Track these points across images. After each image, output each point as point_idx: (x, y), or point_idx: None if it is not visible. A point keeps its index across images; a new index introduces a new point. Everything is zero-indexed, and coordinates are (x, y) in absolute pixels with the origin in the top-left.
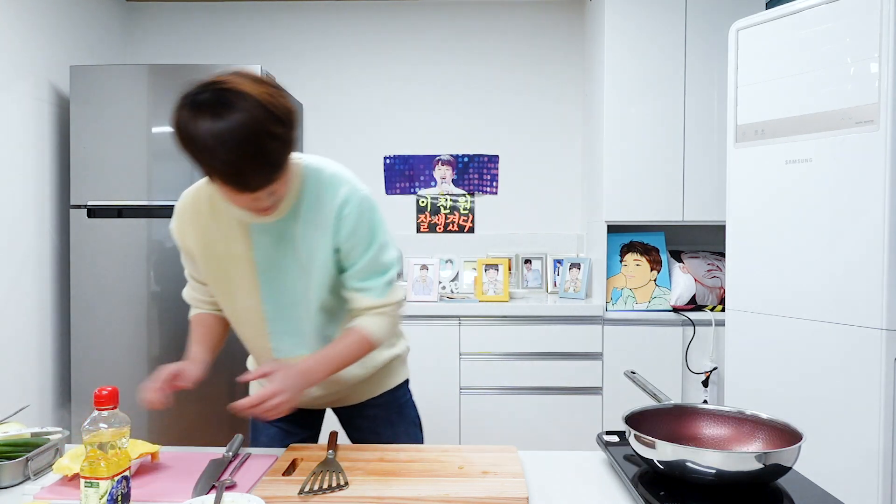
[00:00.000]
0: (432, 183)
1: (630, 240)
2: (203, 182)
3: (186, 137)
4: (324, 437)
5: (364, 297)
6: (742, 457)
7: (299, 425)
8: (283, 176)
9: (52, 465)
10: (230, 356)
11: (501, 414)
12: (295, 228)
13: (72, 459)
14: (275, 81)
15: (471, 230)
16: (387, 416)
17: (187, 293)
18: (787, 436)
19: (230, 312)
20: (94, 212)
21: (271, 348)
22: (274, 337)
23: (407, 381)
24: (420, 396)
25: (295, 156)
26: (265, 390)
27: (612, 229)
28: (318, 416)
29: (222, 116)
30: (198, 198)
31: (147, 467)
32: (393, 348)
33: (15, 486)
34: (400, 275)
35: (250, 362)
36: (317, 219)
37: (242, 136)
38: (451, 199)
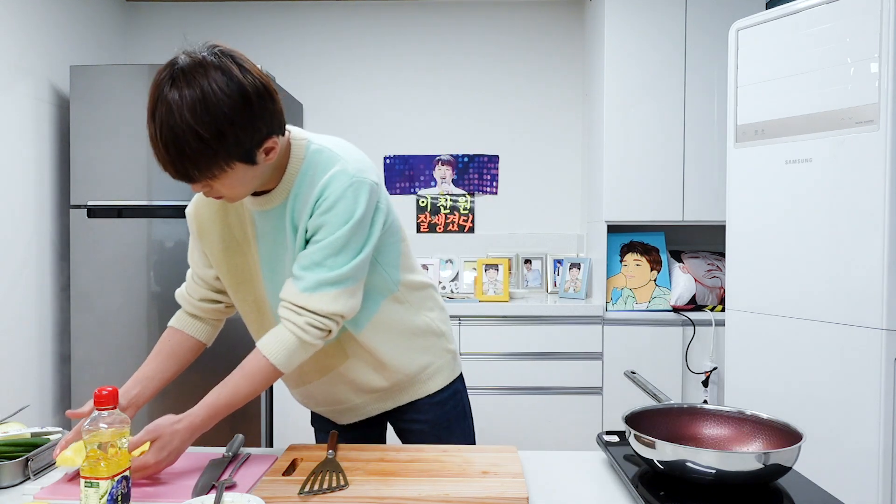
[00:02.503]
0: (432, 183)
1: (630, 240)
2: None
3: (152, 90)
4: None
5: (289, 285)
6: (742, 457)
7: (357, 431)
8: (222, 179)
9: (53, 461)
10: (230, 357)
11: (501, 414)
12: (287, 214)
13: (75, 452)
14: (246, 83)
15: (471, 230)
16: (440, 421)
17: (180, 292)
18: (787, 436)
19: (243, 306)
20: (94, 212)
21: None
22: None
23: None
24: None
25: (303, 136)
26: (144, 461)
27: (612, 229)
28: (378, 428)
29: (178, 91)
30: None
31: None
32: (442, 339)
33: (15, 486)
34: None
35: None
36: (305, 202)
37: (168, 128)
38: (451, 199)
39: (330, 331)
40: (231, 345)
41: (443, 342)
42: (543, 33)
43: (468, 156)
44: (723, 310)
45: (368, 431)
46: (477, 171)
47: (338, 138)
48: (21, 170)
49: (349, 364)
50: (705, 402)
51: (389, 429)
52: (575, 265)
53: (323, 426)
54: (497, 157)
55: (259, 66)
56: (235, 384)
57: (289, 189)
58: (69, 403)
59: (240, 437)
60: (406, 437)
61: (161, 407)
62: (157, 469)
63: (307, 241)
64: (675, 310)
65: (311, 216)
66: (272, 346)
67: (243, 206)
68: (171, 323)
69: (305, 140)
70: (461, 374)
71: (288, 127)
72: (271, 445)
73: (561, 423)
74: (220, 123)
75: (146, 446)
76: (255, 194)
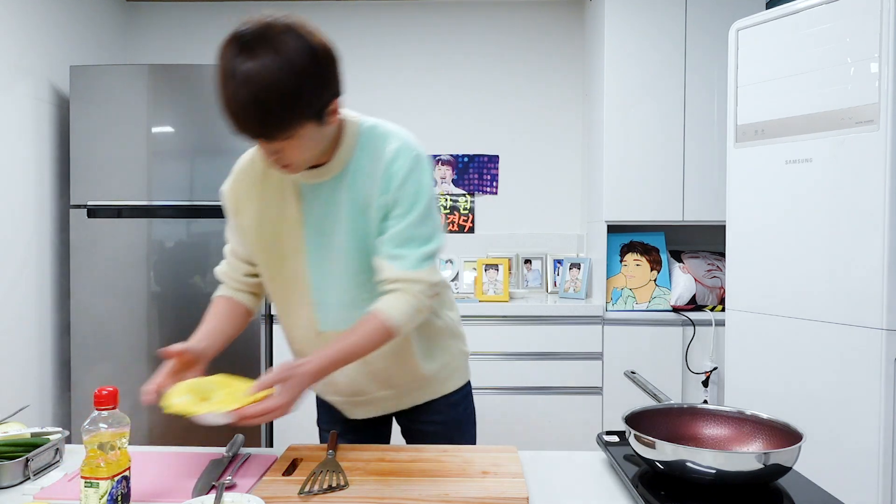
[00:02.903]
0: None
1: (630, 240)
2: (253, 153)
3: (216, 67)
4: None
5: (393, 265)
6: (742, 457)
7: (364, 433)
8: (294, 140)
9: (53, 461)
10: (230, 356)
11: (501, 414)
12: (343, 189)
13: (184, 392)
14: (321, 51)
15: (471, 230)
16: (453, 423)
17: (221, 269)
18: (788, 436)
19: (276, 284)
20: (94, 212)
21: (317, 320)
22: (319, 308)
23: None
24: None
25: (353, 113)
26: (270, 404)
27: (612, 229)
28: (385, 428)
29: (251, 58)
30: (253, 160)
31: (147, 467)
32: (458, 340)
33: (15, 486)
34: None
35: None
36: (366, 177)
37: (250, 90)
38: (451, 199)
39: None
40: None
41: (459, 343)
42: (543, 33)
43: (468, 156)
44: (723, 310)
45: (374, 431)
46: (477, 171)
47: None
48: (21, 170)
49: (380, 353)
50: (705, 402)
51: (394, 431)
52: (575, 265)
53: (330, 421)
54: (497, 157)
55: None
56: (353, 342)
57: (344, 162)
58: (69, 403)
59: (240, 437)
60: (416, 438)
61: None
62: (284, 411)
63: (384, 217)
64: (675, 310)
65: (384, 192)
66: (392, 310)
67: (284, 181)
68: (218, 294)
69: (357, 116)
70: (470, 379)
71: None
72: (271, 445)
73: (561, 423)
74: (298, 81)
75: (261, 394)
76: (309, 168)
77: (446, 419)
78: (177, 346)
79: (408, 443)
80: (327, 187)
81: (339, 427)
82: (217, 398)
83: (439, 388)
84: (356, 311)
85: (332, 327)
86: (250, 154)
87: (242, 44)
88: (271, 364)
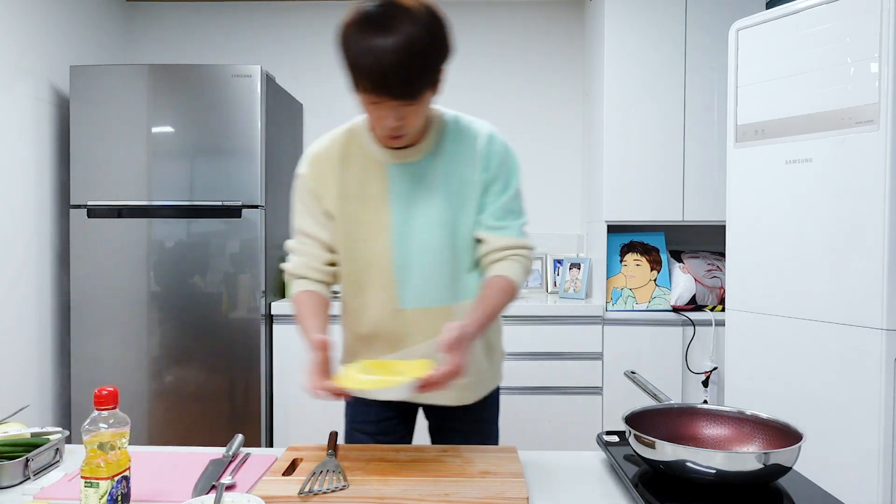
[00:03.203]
0: None
1: (630, 240)
2: (333, 134)
3: (349, 39)
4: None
5: (502, 235)
6: (742, 457)
7: (392, 434)
8: (419, 105)
9: (54, 461)
10: (230, 356)
11: (501, 413)
12: (435, 168)
13: (355, 371)
14: (438, 13)
15: None
16: (489, 420)
17: (296, 262)
18: (788, 436)
19: (356, 265)
20: (94, 212)
21: (398, 298)
22: (400, 285)
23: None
24: None
25: (434, 108)
26: (449, 368)
27: (612, 229)
28: (410, 420)
29: (387, 29)
30: (331, 147)
31: (147, 467)
32: (502, 339)
33: (15, 486)
34: None
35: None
36: (462, 158)
37: (401, 47)
38: None
39: None
40: (230, 343)
41: (502, 340)
42: (543, 33)
43: None
44: (723, 310)
45: (405, 428)
46: None
47: None
48: (21, 170)
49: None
50: (705, 402)
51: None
52: (575, 265)
53: (365, 418)
54: None
55: (259, 66)
56: (493, 303)
57: (435, 143)
58: (69, 403)
59: (240, 437)
60: (446, 435)
61: (161, 406)
62: (460, 372)
63: (483, 193)
64: (675, 310)
65: (484, 170)
66: (512, 273)
67: (367, 163)
68: (300, 289)
69: (439, 107)
70: None
71: None
72: (271, 445)
73: (561, 423)
74: (435, 46)
75: (418, 368)
76: (397, 148)
77: (480, 417)
78: (325, 337)
79: (434, 441)
80: (417, 167)
81: (371, 427)
82: (381, 375)
83: (490, 384)
84: (436, 288)
85: (413, 304)
86: (326, 141)
87: (380, 14)
88: (271, 364)
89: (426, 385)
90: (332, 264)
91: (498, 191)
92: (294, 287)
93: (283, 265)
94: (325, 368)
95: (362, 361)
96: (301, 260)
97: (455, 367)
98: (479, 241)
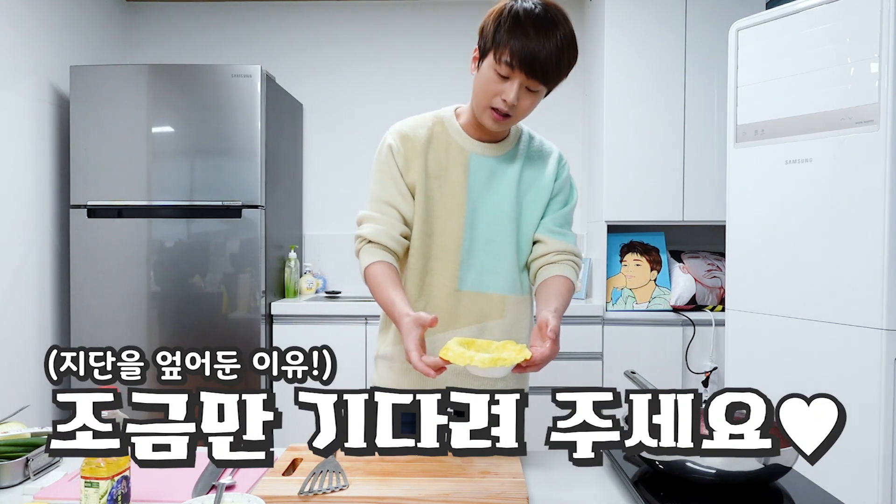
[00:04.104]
0: None
1: (630, 240)
2: (421, 117)
3: (511, 18)
4: None
5: (561, 239)
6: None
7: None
8: (539, 95)
9: (54, 460)
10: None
11: None
12: (512, 168)
13: (459, 346)
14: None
15: None
16: None
17: (374, 228)
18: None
19: (428, 242)
20: (94, 212)
21: (459, 280)
22: (462, 268)
23: None
24: None
25: None
26: (548, 352)
27: (612, 229)
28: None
29: (553, 22)
30: (419, 126)
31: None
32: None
33: (15, 486)
34: None
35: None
36: (536, 164)
37: (563, 38)
38: None
39: None
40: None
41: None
42: None
43: None
44: (723, 310)
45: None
46: None
47: None
48: (21, 170)
49: (501, 323)
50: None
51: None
52: None
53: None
54: None
55: (259, 66)
56: (566, 298)
57: (512, 147)
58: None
59: None
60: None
61: None
62: (555, 356)
63: (549, 199)
64: (675, 310)
65: (557, 178)
66: (573, 275)
67: (450, 151)
68: (377, 259)
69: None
70: None
71: None
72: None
73: None
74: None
75: (511, 349)
76: (483, 140)
77: None
78: (431, 315)
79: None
80: (497, 161)
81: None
82: (483, 354)
83: (525, 379)
84: (494, 276)
85: (470, 287)
86: (413, 121)
87: (543, 10)
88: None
89: (525, 366)
90: (406, 237)
91: (560, 202)
92: (369, 255)
93: (360, 230)
94: (423, 343)
95: (454, 339)
96: (380, 228)
97: (554, 352)
98: (536, 242)
